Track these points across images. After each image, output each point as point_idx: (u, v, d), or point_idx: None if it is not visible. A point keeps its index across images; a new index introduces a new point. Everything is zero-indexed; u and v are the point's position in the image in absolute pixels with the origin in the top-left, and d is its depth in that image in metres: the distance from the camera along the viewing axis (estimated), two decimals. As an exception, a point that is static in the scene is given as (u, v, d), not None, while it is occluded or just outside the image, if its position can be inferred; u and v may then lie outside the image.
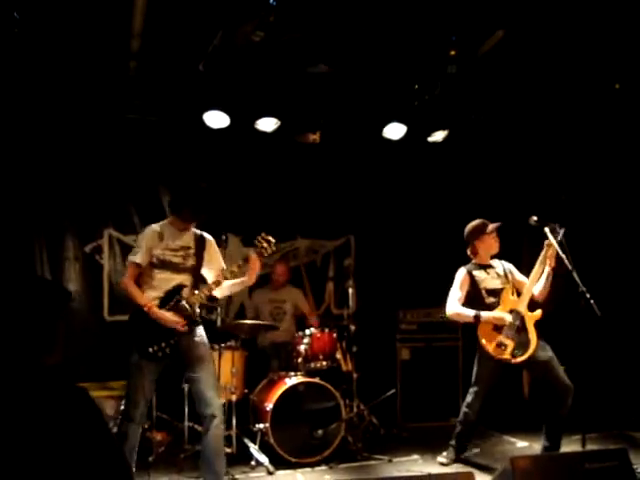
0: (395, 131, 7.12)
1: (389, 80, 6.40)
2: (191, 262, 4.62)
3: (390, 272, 7.90)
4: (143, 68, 6.04)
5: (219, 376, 5.65)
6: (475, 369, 5.52)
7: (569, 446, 5.77)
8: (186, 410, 5.65)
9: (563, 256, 4.98)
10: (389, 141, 7.25)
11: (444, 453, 5.61)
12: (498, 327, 5.32)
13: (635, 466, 3.69)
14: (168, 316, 4.43)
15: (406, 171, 8.01)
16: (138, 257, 4.50)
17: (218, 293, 4.81)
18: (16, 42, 5.06)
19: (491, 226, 5.55)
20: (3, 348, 1.95)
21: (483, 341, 5.35)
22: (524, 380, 7.67)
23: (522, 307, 5.34)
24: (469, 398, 5.52)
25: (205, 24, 5.22)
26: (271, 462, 5.45)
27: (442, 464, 5.52)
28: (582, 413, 4.98)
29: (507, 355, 5.27)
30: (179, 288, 4.55)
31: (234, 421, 5.70)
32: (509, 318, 5.29)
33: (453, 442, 5.62)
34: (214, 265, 4.76)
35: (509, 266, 5.70)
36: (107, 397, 5.81)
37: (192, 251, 4.64)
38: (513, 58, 5.89)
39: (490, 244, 5.58)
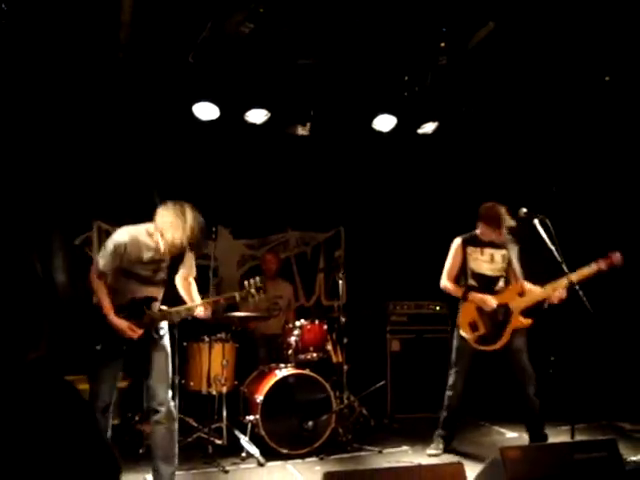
0: (385, 123, 7.12)
1: (379, 72, 6.39)
2: (161, 276, 4.45)
3: (380, 264, 7.91)
4: (132, 59, 6.00)
5: (209, 368, 5.65)
6: (453, 349, 5.57)
7: (558, 437, 5.81)
8: (176, 401, 5.64)
9: (552, 248, 4.99)
10: (379, 133, 7.25)
11: (432, 445, 5.63)
12: (482, 310, 5.38)
13: (624, 456, 3.71)
14: (124, 326, 4.28)
15: (396, 163, 8.02)
16: (102, 262, 4.31)
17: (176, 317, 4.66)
18: (4, 34, 5.02)
19: (503, 226, 5.32)
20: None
21: (461, 315, 5.46)
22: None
23: (517, 308, 5.36)
24: (450, 380, 5.58)
25: (194, 15, 5.20)
26: (262, 453, 5.45)
27: (431, 456, 5.53)
28: (571, 404, 5.00)
29: (472, 337, 5.38)
30: (148, 300, 4.42)
31: (224, 413, 5.71)
32: (494, 304, 5.33)
33: (440, 431, 5.66)
34: (185, 272, 4.65)
35: (514, 252, 5.56)
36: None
37: (165, 264, 4.44)
38: (503, 50, 5.89)
39: (492, 235, 5.44)
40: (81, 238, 6.96)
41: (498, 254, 5.51)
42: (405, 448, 5.87)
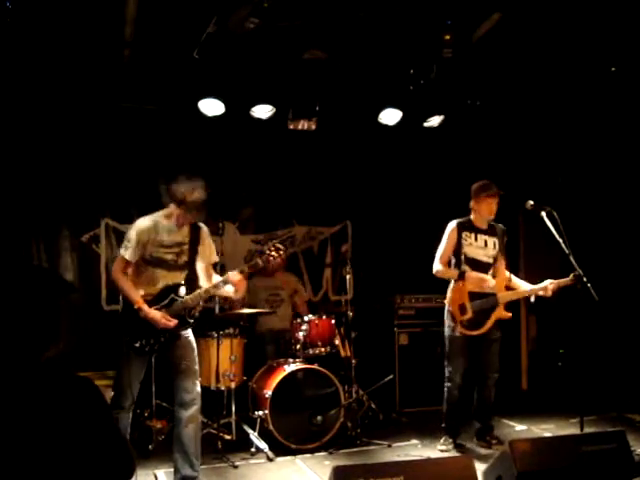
0: (391, 116, 7.10)
1: (384, 65, 6.37)
2: (184, 258, 4.51)
3: (387, 258, 7.90)
4: (137, 56, 6.01)
5: (218, 364, 5.66)
6: (446, 340, 5.62)
7: (567, 429, 5.82)
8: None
9: (560, 240, 4.98)
10: (385, 127, 7.23)
11: (441, 440, 5.63)
12: (473, 294, 5.43)
13: (633, 448, 3.71)
14: (158, 317, 4.34)
15: (402, 156, 8.00)
16: (128, 253, 4.36)
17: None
18: (9, 31, 5.02)
19: (491, 190, 5.49)
20: (8, 341, 1.96)
21: (451, 295, 5.52)
22: (522, 369, 7.73)
23: (503, 299, 5.43)
24: (446, 372, 5.62)
25: (199, 11, 5.19)
26: (271, 448, 5.47)
27: (442, 451, 5.53)
28: (580, 396, 5.00)
29: (459, 317, 5.43)
30: (176, 287, 4.47)
31: (233, 408, 5.73)
32: (492, 284, 5.39)
33: (443, 425, 5.68)
34: (206, 259, 4.69)
35: (505, 238, 5.69)
36: (106, 386, 5.80)
37: (186, 247, 4.51)
38: (509, 42, 5.87)
39: (485, 207, 5.52)
40: (89, 235, 6.96)
41: (491, 241, 5.59)
42: (414, 442, 5.88)
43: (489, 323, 5.42)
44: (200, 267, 4.65)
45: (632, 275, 7.15)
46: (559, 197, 6.80)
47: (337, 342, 6.26)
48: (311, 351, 6.05)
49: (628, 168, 7.19)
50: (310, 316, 6.22)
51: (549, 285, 5.25)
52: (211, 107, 6.57)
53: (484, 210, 5.52)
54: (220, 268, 5.72)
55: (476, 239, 5.56)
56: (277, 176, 7.63)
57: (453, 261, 5.58)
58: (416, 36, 5.81)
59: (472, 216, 5.61)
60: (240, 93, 6.65)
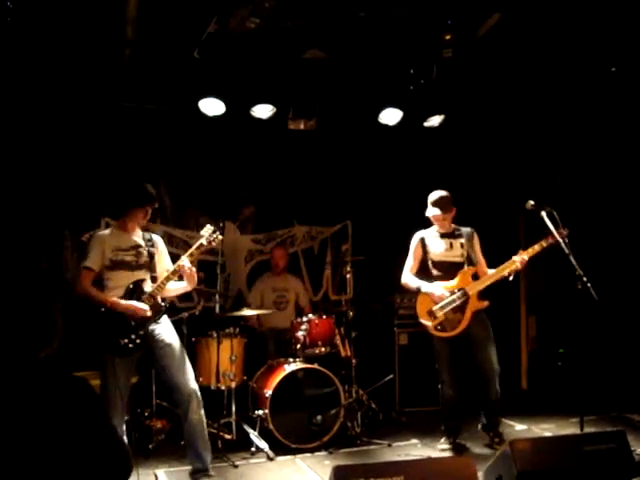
0: (391, 116, 7.09)
1: (384, 65, 6.37)
2: (144, 259, 4.71)
3: (388, 257, 7.89)
4: (138, 56, 6.01)
5: (218, 363, 5.67)
6: (434, 341, 5.62)
7: (567, 429, 5.82)
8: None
9: (560, 240, 4.98)
10: (385, 126, 7.22)
11: (441, 440, 5.64)
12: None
13: (633, 448, 3.71)
14: (133, 305, 4.49)
15: (402, 156, 8.01)
16: (90, 262, 4.57)
17: (165, 295, 4.82)
18: (10, 31, 5.03)
19: (436, 209, 5.59)
20: (3, 340, 1.96)
21: (418, 305, 5.55)
22: (522, 369, 7.74)
23: (473, 291, 5.42)
24: (439, 374, 5.65)
25: (199, 10, 5.19)
26: (271, 448, 5.47)
27: (442, 450, 5.53)
28: (580, 396, 5.00)
29: (431, 324, 5.45)
30: (139, 283, 4.62)
31: (234, 408, 5.74)
32: (446, 295, 5.41)
33: (442, 427, 5.70)
34: (163, 265, 4.85)
35: (474, 240, 5.73)
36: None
37: (143, 249, 4.73)
38: (509, 41, 5.86)
39: (435, 221, 5.68)
40: (89, 234, 6.95)
41: (457, 242, 5.64)
42: (414, 441, 5.88)
43: (465, 320, 5.41)
44: (158, 273, 4.79)
45: (632, 275, 7.15)
46: (559, 197, 6.80)
47: (337, 342, 6.27)
48: (311, 351, 6.05)
49: (628, 168, 7.19)
50: (310, 316, 6.22)
51: (516, 258, 5.35)
52: (211, 107, 6.57)
53: (435, 222, 5.69)
54: (221, 268, 5.74)
55: (440, 242, 5.65)
56: (277, 176, 7.64)
57: (429, 265, 5.65)
58: (416, 36, 5.80)
59: (433, 224, 5.74)
60: (240, 93, 6.65)
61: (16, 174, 6.48)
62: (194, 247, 4.71)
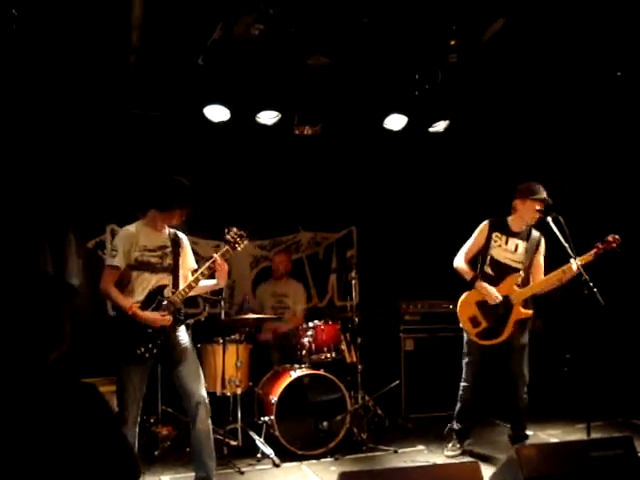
0: (396, 122, 7.10)
1: (389, 71, 6.38)
2: (168, 261, 4.58)
3: (393, 263, 7.90)
4: (143, 62, 6.03)
5: (223, 369, 5.66)
6: (464, 342, 5.52)
7: (574, 434, 5.79)
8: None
9: (566, 245, 4.95)
10: (390, 132, 7.24)
11: (449, 445, 5.60)
12: (483, 302, 5.29)
13: (640, 454, 3.69)
14: (153, 316, 4.41)
15: (407, 162, 8.02)
16: (116, 260, 4.43)
17: (192, 293, 4.73)
18: (15, 39, 5.05)
19: (539, 195, 5.23)
20: (11, 345, 1.96)
21: (460, 307, 5.38)
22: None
23: (517, 300, 5.24)
24: (463, 372, 5.53)
25: (204, 17, 5.20)
26: (277, 454, 5.46)
27: (449, 457, 5.50)
28: (587, 401, 4.98)
29: (473, 332, 5.32)
30: (161, 288, 4.53)
31: (239, 414, 5.72)
32: (498, 299, 5.21)
33: (453, 424, 5.62)
34: (187, 264, 4.78)
35: (541, 247, 5.42)
36: (112, 392, 5.80)
37: (169, 250, 4.61)
38: (514, 46, 5.86)
39: (527, 211, 5.26)
40: (94, 241, 6.98)
41: (522, 246, 5.34)
42: (420, 447, 5.86)
43: (508, 329, 5.23)
44: (181, 274, 4.71)
45: (639, 280, 7.12)
46: (566, 202, 6.78)
47: (343, 348, 6.25)
48: (317, 357, 6.04)
49: (635, 173, 7.17)
50: (316, 322, 6.21)
51: (575, 262, 4.96)
52: (217, 113, 6.59)
53: (527, 213, 5.29)
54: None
55: (507, 242, 5.34)
56: (283, 182, 7.64)
57: (486, 260, 5.37)
58: (421, 41, 5.81)
59: (510, 216, 5.41)
60: (245, 99, 6.67)
61: (23, 181, 6.50)
62: (223, 250, 4.62)
